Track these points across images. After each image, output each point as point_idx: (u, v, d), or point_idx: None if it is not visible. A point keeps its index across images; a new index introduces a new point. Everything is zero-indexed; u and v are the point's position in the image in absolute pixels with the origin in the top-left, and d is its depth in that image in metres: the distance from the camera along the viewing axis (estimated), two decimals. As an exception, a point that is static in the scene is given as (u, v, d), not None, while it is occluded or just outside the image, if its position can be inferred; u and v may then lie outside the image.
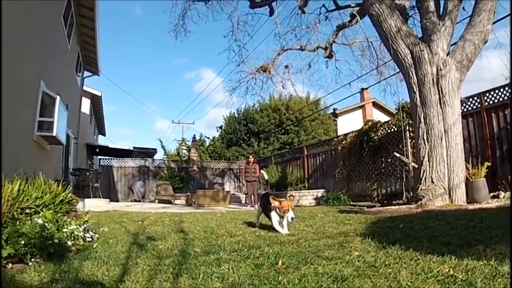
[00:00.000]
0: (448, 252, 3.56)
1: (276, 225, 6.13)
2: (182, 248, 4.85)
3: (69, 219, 5.40)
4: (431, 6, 9.73)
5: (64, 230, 4.68)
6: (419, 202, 8.90)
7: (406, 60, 9.60)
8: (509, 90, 10.90)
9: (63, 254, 4.27)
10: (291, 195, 6.66)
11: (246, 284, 3.04)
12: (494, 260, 3.14)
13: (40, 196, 5.64)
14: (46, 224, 4.45)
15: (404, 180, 13.22)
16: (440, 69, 9.19)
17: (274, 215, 6.17)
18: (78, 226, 5.14)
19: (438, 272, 2.96)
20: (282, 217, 6.07)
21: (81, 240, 4.99)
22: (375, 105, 35.06)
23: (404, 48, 9.60)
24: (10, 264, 3.82)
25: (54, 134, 10.58)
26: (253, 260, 3.91)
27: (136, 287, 3.13)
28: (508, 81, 10.83)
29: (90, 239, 5.35)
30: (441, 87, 9.15)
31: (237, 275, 3.28)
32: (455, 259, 3.30)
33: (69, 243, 4.57)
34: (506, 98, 11.05)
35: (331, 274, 3.13)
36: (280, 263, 3.62)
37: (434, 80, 9.23)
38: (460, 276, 2.80)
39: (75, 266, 3.84)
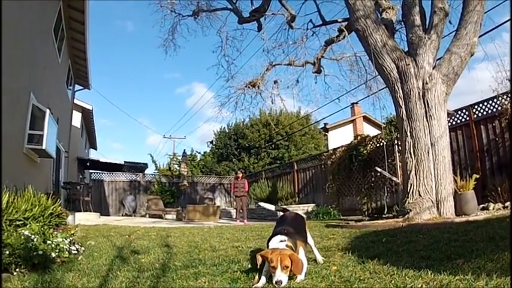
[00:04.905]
0: (426, 266, 3.52)
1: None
2: (163, 262, 4.88)
3: (55, 232, 5.47)
4: (417, 20, 9.80)
5: (49, 242, 4.73)
6: (406, 216, 8.86)
7: (392, 74, 9.63)
8: (497, 102, 10.93)
9: (47, 265, 4.37)
10: (293, 242, 3.88)
11: (218, 297, 3.04)
12: (471, 274, 3.10)
13: (29, 209, 5.72)
14: (32, 236, 4.50)
15: (390, 194, 13.23)
16: (426, 83, 9.21)
17: (265, 268, 3.70)
18: (64, 239, 5.20)
19: (411, 287, 2.92)
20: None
21: (67, 252, 5.07)
22: (366, 119, 35.18)
23: (390, 63, 9.64)
24: (-5, 274, 3.93)
25: (43, 147, 10.49)
26: (231, 274, 3.96)
27: (113, 298, 3.14)
28: (495, 93, 10.85)
29: (76, 252, 5.45)
30: (427, 101, 9.17)
31: (212, 289, 3.27)
32: (431, 274, 3.26)
33: (53, 255, 4.64)
34: (494, 110, 11.08)
35: (304, 289, 3.10)
36: (256, 277, 3.61)
37: (420, 93, 9.26)
38: (433, 292, 2.76)
39: (57, 277, 3.90)
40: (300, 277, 3.57)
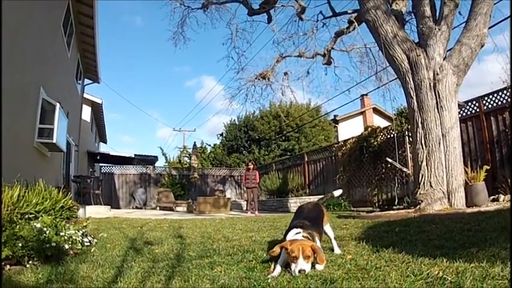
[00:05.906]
0: (441, 255, 3.55)
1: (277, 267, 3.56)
2: (178, 252, 4.87)
3: (68, 225, 5.44)
4: (427, 11, 9.78)
5: (62, 234, 4.72)
6: (418, 206, 8.89)
7: (403, 65, 9.62)
8: (507, 94, 10.89)
9: (60, 257, 4.34)
10: (309, 233, 3.81)
11: (235, 285, 3.07)
12: (486, 262, 3.13)
13: (40, 202, 5.69)
14: (44, 228, 4.49)
15: (401, 185, 13.25)
16: (437, 74, 9.20)
17: (281, 258, 3.62)
18: (76, 231, 5.18)
19: (428, 274, 2.95)
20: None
21: (79, 244, 5.05)
22: (376, 111, 35.08)
23: (401, 54, 9.62)
24: (8, 266, 3.93)
25: (54, 141, 10.58)
26: (246, 263, 3.95)
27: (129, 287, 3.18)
28: (505, 85, 10.82)
29: (89, 244, 5.43)
30: (438, 92, 9.17)
31: (228, 278, 3.30)
32: (446, 261, 3.30)
33: (67, 246, 4.64)
34: (504, 101, 11.03)
35: (321, 276, 3.14)
36: (272, 266, 3.61)
37: (431, 84, 9.25)
38: (450, 278, 2.79)
39: (71, 268, 3.87)
40: (319, 266, 3.53)
